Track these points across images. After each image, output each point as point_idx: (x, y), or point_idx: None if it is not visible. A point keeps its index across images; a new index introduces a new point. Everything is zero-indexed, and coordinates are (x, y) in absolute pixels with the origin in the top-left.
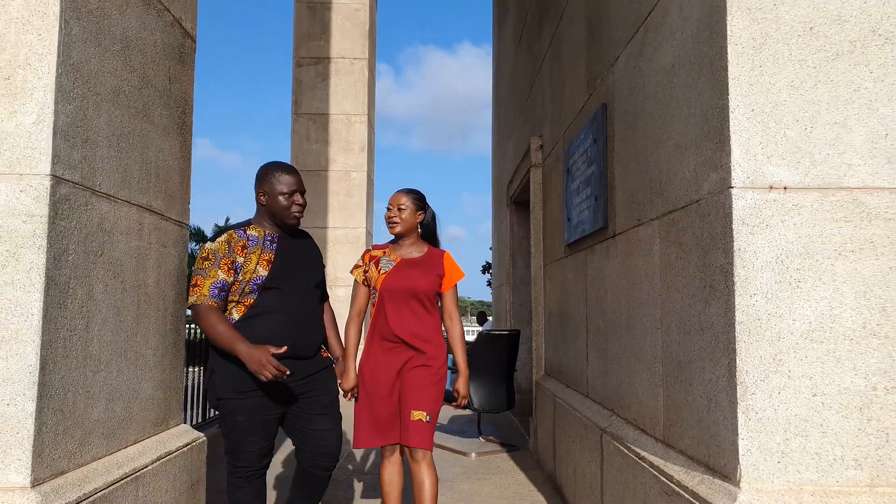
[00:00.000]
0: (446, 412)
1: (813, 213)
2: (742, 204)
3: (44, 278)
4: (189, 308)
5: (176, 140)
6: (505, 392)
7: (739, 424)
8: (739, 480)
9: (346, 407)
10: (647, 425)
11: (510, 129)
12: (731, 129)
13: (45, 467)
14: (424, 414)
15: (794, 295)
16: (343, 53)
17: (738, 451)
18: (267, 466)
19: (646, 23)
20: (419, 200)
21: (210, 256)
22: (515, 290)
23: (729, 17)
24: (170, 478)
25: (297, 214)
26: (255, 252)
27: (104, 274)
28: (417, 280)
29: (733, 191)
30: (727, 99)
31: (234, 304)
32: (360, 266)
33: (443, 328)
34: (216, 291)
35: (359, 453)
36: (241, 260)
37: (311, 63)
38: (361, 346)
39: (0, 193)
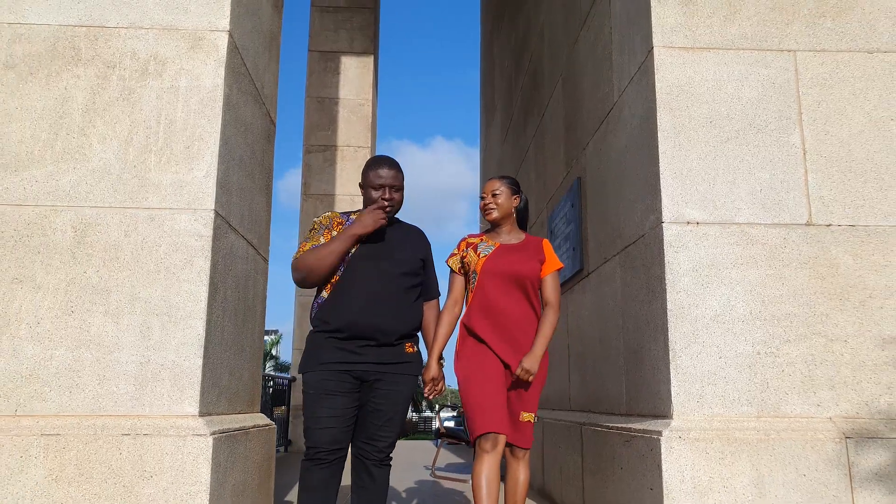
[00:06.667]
0: (442, 456)
1: (715, 239)
2: (669, 233)
3: (208, 278)
4: (292, 267)
5: (264, 197)
6: None
7: (672, 378)
8: (672, 414)
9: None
10: (615, 408)
11: None
12: (661, 186)
13: (203, 406)
14: (533, 416)
15: (705, 292)
16: (348, 142)
17: (671, 396)
18: (338, 457)
19: (607, 118)
20: (514, 184)
21: (316, 227)
22: None
23: (658, 114)
24: (259, 444)
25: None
26: None
27: (231, 283)
28: (520, 264)
29: (664, 225)
30: (658, 166)
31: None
32: (456, 254)
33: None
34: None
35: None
36: (335, 234)
37: (320, 150)
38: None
39: (183, 221)
